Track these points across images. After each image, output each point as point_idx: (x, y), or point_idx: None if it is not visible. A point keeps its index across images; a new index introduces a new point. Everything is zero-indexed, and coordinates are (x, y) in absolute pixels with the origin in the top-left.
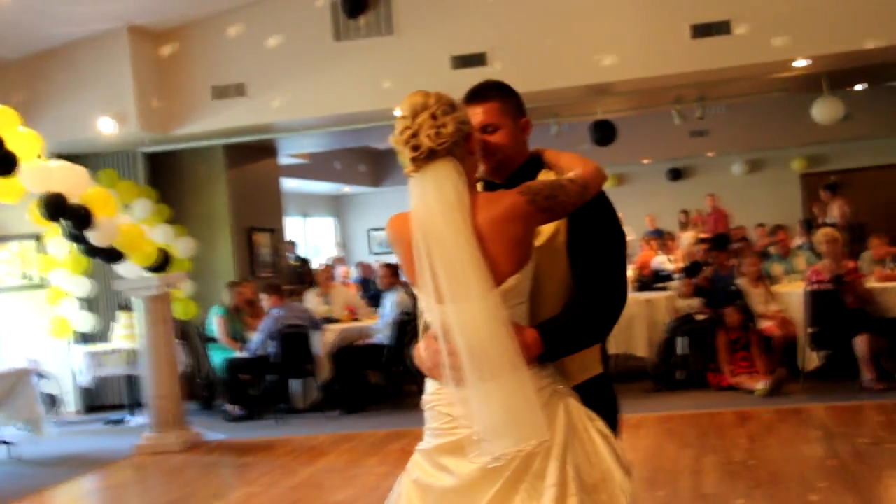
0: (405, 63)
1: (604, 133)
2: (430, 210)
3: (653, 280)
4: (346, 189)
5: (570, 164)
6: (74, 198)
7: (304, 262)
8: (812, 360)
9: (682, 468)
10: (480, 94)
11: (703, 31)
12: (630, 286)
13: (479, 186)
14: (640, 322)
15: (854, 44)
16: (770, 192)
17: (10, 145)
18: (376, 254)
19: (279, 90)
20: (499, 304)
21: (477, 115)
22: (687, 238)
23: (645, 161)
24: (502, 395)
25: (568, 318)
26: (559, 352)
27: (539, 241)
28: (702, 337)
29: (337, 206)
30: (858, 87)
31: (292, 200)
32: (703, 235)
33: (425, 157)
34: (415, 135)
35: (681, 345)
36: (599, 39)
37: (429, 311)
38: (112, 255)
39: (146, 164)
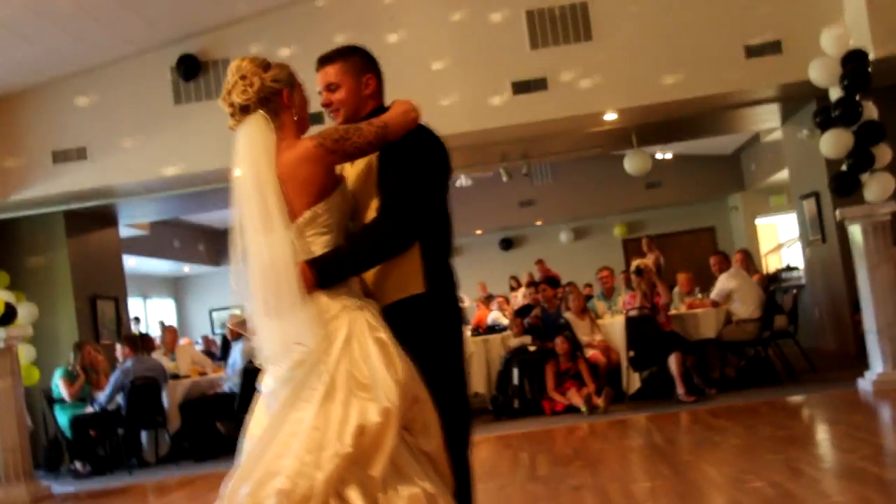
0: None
1: None
2: (240, 157)
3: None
4: (186, 269)
5: (391, 109)
6: None
7: (146, 335)
8: (634, 382)
9: (517, 465)
10: (325, 57)
11: (522, 87)
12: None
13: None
14: (477, 360)
15: (655, 97)
16: (595, 258)
17: None
18: (217, 334)
19: (120, 153)
20: (286, 238)
21: (322, 76)
22: (519, 296)
23: (478, 232)
24: (282, 318)
25: (336, 249)
26: (330, 279)
27: (354, 177)
28: (534, 368)
29: (176, 288)
30: (667, 156)
31: (132, 282)
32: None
33: (239, 112)
34: (229, 93)
35: (516, 375)
36: (426, 95)
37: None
38: None
39: None
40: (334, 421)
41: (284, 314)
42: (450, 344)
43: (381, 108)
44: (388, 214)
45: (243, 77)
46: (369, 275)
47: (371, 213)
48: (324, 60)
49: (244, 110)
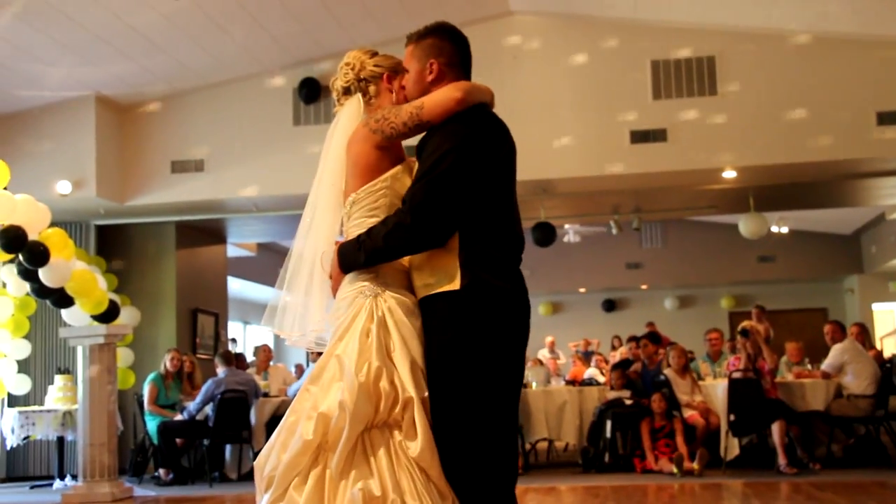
0: None
1: (544, 234)
2: (328, 136)
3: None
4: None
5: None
6: (34, 234)
7: (240, 354)
8: (732, 448)
9: None
10: (406, 39)
11: (640, 137)
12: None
13: None
14: (571, 409)
15: (776, 157)
16: (699, 327)
17: None
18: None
19: (235, 168)
20: (333, 220)
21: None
22: (618, 354)
23: (582, 290)
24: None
25: (357, 236)
26: (347, 265)
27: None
28: (628, 422)
29: None
30: (783, 230)
31: (234, 305)
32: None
33: (343, 95)
34: (336, 80)
35: (608, 428)
36: (544, 137)
37: None
38: (62, 299)
39: (98, 235)
40: (308, 406)
41: (313, 295)
42: (474, 350)
43: None
44: (404, 208)
45: (347, 63)
46: (408, 265)
47: None
48: (406, 42)
49: (346, 92)
